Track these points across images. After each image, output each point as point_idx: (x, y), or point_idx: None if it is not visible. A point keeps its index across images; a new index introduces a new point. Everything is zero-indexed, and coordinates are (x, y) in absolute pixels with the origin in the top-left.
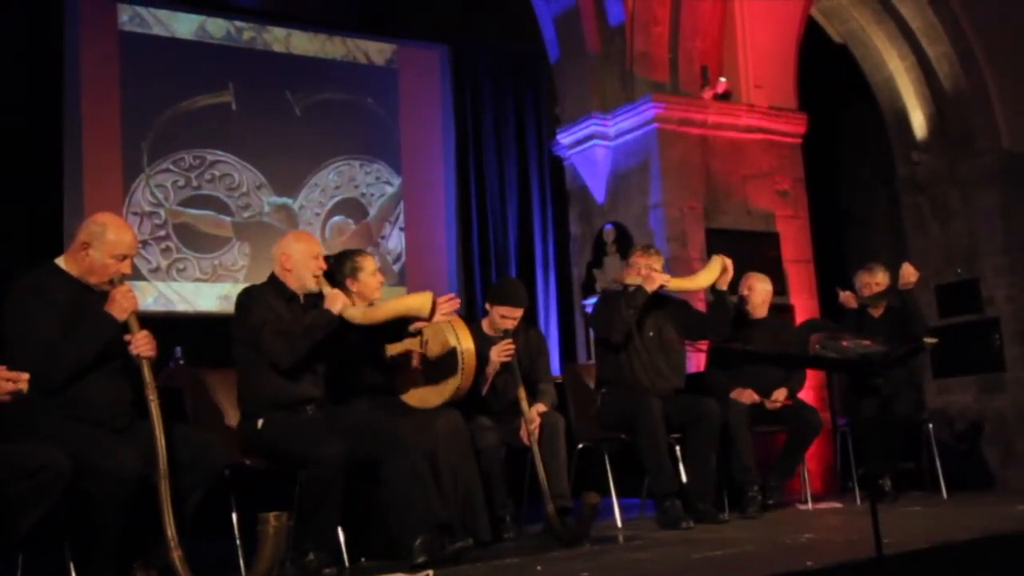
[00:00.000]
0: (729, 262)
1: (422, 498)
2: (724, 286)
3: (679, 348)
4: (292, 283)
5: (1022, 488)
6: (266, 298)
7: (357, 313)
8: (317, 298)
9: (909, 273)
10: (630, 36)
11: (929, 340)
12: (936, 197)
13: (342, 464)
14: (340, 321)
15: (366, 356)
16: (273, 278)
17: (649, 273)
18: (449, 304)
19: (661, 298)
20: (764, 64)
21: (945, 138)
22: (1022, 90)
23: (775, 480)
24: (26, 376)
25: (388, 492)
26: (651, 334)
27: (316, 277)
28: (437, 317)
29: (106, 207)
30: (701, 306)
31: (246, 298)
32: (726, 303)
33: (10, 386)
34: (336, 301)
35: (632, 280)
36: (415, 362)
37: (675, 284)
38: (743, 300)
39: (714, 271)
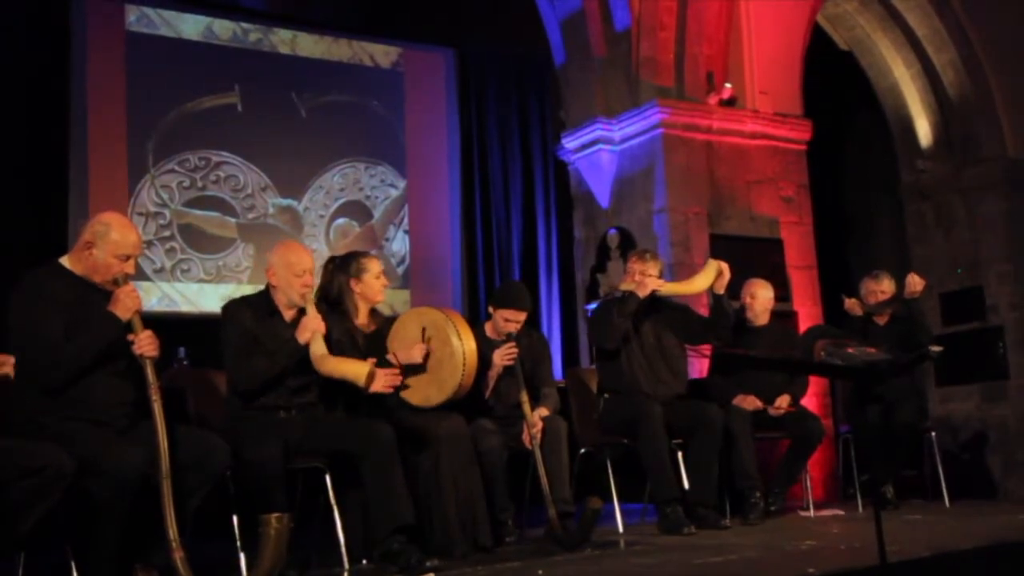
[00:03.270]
0: (725, 266)
1: (388, 499)
2: (721, 290)
3: (680, 353)
4: (279, 298)
5: None
6: (243, 315)
7: (315, 352)
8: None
9: (915, 282)
10: (636, 41)
11: (935, 348)
12: (940, 205)
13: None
14: (305, 349)
15: (368, 356)
16: (266, 289)
17: (642, 279)
18: (392, 378)
19: (660, 304)
20: (769, 70)
21: (950, 146)
22: None
23: (777, 487)
24: (11, 359)
25: (366, 491)
26: (651, 340)
27: (302, 295)
28: (376, 387)
29: (111, 207)
30: (704, 311)
31: (224, 315)
32: (725, 307)
33: None
34: (305, 330)
35: (627, 286)
36: (417, 356)
37: (669, 289)
38: (745, 307)
39: (709, 275)
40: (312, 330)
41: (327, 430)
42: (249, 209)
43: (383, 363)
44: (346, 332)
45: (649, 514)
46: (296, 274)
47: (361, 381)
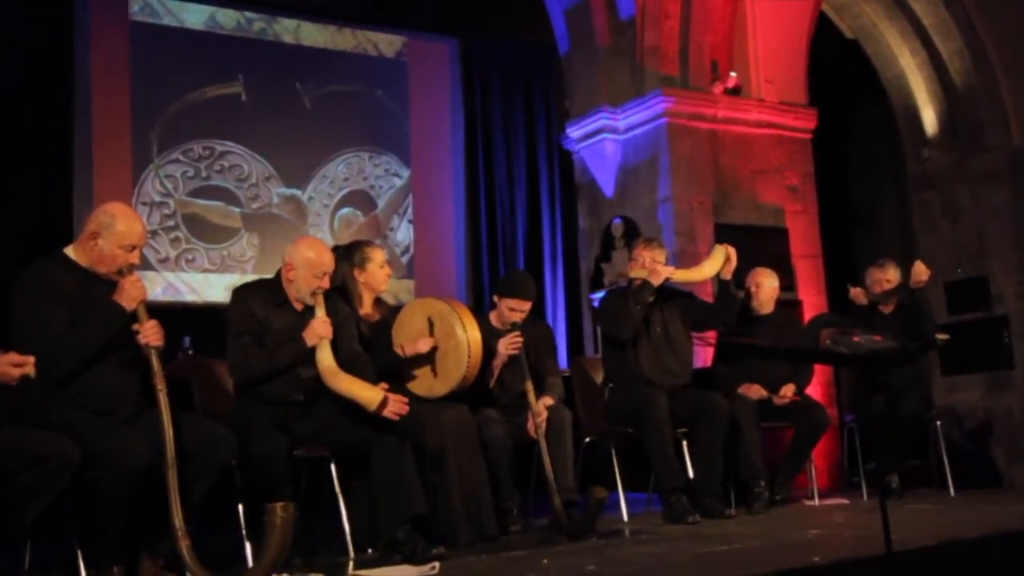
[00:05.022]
0: (732, 251)
1: (400, 489)
2: (728, 276)
3: (686, 343)
4: (292, 292)
5: None
6: (253, 302)
7: (323, 363)
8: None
9: (921, 271)
10: (640, 30)
11: (942, 336)
12: (946, 194)
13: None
14: (310, 352)
15: (372, 345)
16: (277, 277)
17: (654, 266)
18: (401, 406)
19: (666, 292)
20: (775, 59)
21: (956, 135)
22: None
23: (782, 476)
24: (32, 359)
25: (373, 481)
26: (658, 330)
27: (315, 295)
28: (385, 413)
29: (115, 197)
30: (709, 299)
31: (233, 298)
32: (731, 292)
33: (17, 371)
34: (313, 334)
35: (636, 274)
36: (423, 349)
37: (680, 276)
38: (749, 296)
39: (717, 261)
40: (320, 336)
41: (336, 421)
42: (253, 199)
43: (390, 359)
44: (350, 321)
45: (654, 503)
46: (315, 275)
47: (372, 407)
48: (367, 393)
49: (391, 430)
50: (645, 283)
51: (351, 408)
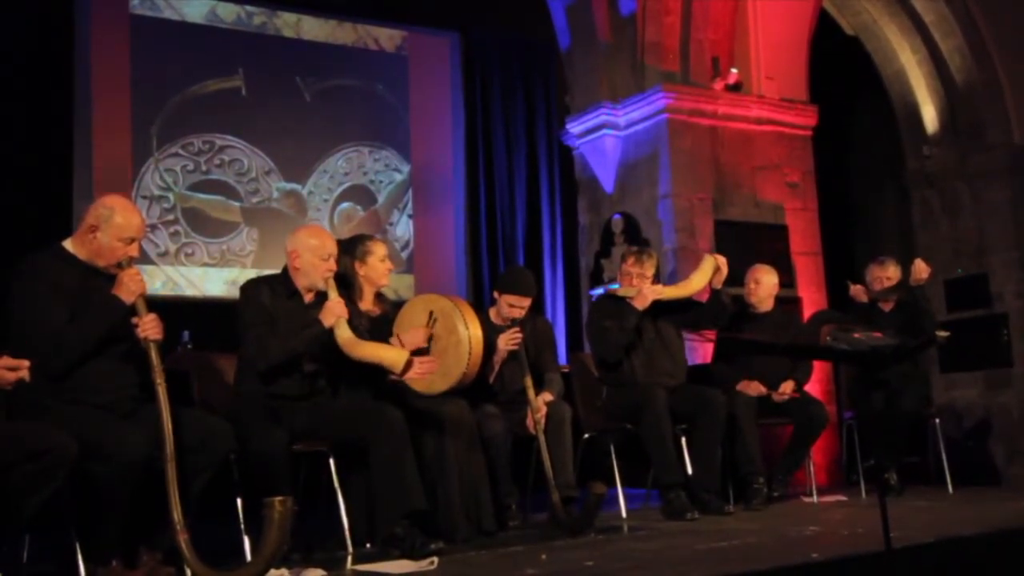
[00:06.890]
0: (723, 260)
1: (399, 484)
2: (719, 285)
3: (679, 344)
4: (300, 281)
5: None
6: (263, 295)
7: (342, 336)
8: (325, 296)
9: (921, 269)
10: (641, 25)
11: (942, 333)
12: (946, 191)
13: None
14: (328, 334)
15: (373, 340)
16: (284, 272)
17: (640, 288)
18: (429, 365)
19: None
20: (776, 55)
21: (956, 132)
22: None
23: (781, 472)
24: (27, 363)
25: (373, 475)
26: (651, 334)
27: (325, 279)
28: (410, 375)
29: (115, 190)
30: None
31: (243, 293)
32: (722, 300)
33: (12, 375)
34: (330, 314)
35: (625, 293)
36: (419, 341)
37: (669, 294)
38: (748, 293)
39: (706, 272)
40: (337, 315)
41: (335, 415)
42: (253, 193)
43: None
44: (354, 317)
45: (652, 499)
46: (322, 258)
47: (398, 368)
48: (392, 355)
49: (390, 425)
50: (631, 310)
51: (350, 403)
